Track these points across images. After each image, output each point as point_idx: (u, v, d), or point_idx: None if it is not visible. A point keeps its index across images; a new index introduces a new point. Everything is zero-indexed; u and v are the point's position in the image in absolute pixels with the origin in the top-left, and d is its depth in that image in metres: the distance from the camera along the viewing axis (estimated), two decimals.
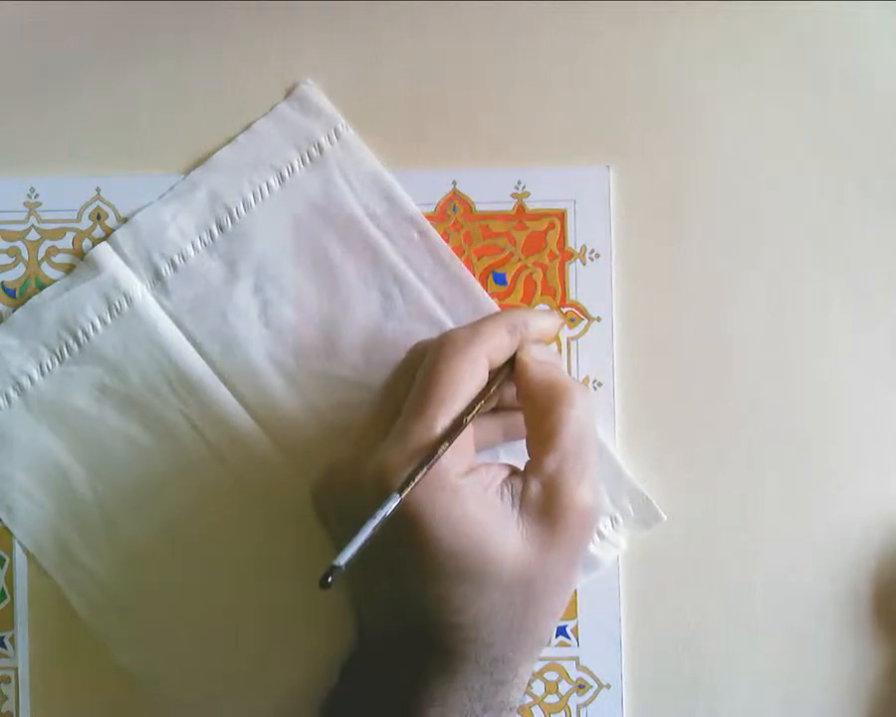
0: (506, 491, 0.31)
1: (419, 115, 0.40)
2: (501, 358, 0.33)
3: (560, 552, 0.31)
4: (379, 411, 0.34)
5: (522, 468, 0.33)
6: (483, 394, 0.32)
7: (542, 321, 0.35)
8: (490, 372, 0.33)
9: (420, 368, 0.33)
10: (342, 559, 0.27)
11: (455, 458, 0.31)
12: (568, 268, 0.40)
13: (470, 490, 0.31)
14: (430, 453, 0.30)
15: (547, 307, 0.40)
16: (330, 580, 0.27)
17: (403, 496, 0.29)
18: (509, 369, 0.34)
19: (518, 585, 0.31)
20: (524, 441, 0.34)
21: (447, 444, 0.30)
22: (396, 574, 0.32)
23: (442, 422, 0.31)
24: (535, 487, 0.31)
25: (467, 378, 0.32)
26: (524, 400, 0.33)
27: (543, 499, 0.31)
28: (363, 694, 0.35)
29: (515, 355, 0.34)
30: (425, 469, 0.29)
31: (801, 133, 0.40)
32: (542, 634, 0.33)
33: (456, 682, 0.32)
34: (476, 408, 0.32)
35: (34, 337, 0.39)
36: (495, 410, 0.36)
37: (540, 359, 0.34)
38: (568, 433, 0.32)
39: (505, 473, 0.32)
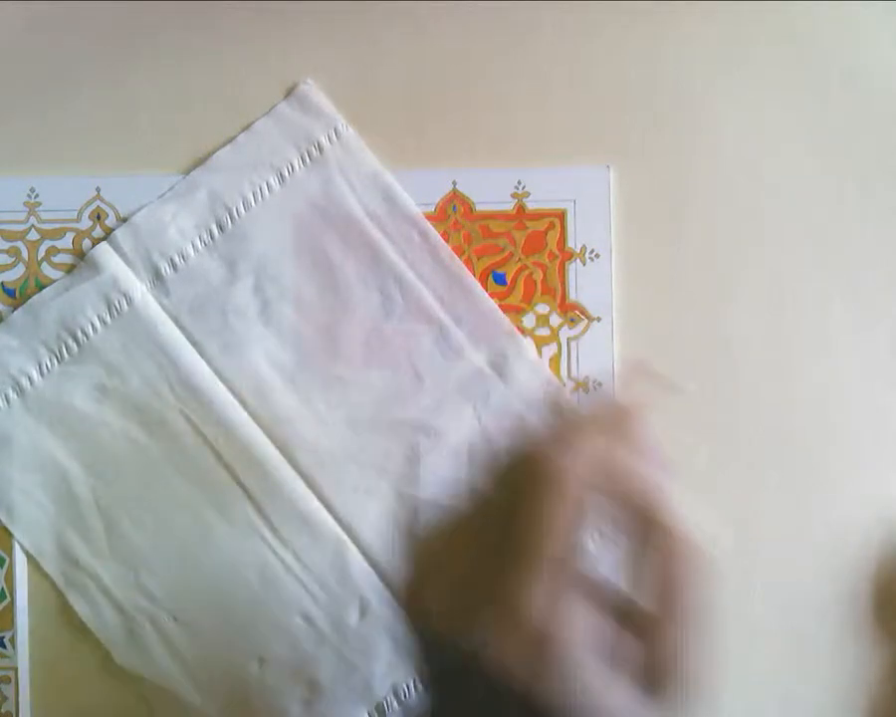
0: (613, 660, 0.30)
1: (419, 115, 0.40)
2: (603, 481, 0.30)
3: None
4: (473, 537, 0.32)
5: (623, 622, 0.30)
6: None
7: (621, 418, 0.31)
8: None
9: (522, 523, 0.30)
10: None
11: (575, 632, 0.29)
12: (568, 268, 0.40)
13: (590, 664, 0.29)
14: (546, 637, 0.28)
15: (548, 308, 0.40)
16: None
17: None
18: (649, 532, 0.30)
19: None
20: None
21: (566, 621, 0.28)
22: None
23: (556, 589, 0.28)
24: (646, 658, 0.30)
25: (573, 535, 0.29)
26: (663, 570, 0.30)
27: (653, 673, 0.29)
28: None
29: (650, 512, 0.30)
30: (544, 657, 0.28)
31: (801, 133, 0.40)
32: None
33: None
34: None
35: (34, 337, 0.39)
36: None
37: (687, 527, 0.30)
38: (686, 616, 0.29)
39: (610, 639, 0.30)
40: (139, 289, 0.39)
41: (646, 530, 0.30)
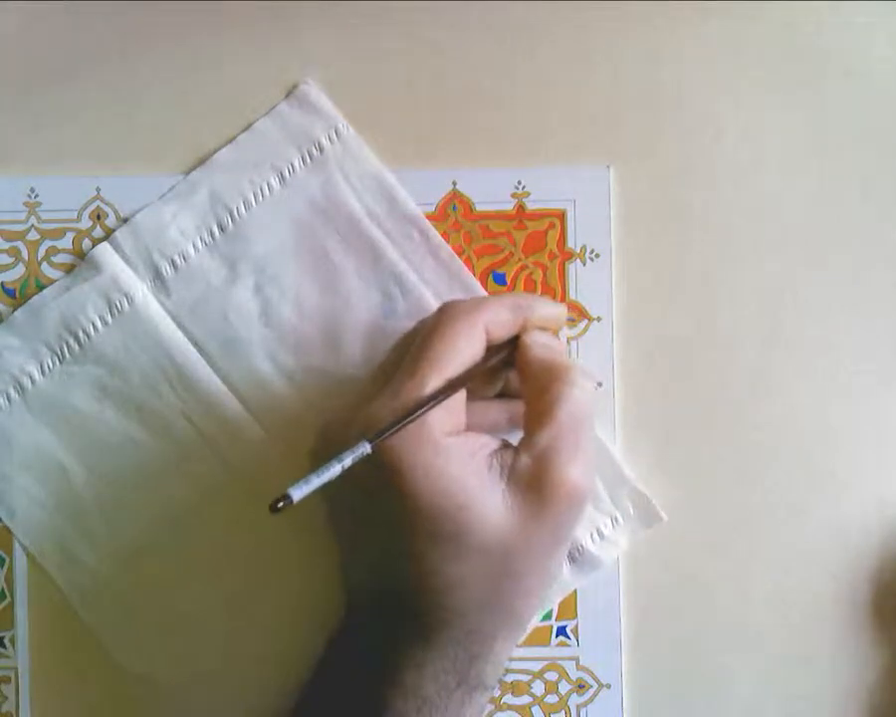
0: (494, 462, 0.31)
1: (419, 115, 0.40)
2: (501, 333, 0.33)
3: (543, 528, 0.31)
4: (375, 377, 0.35)
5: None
6: (479, 366, 0.32)
7: (547, 308, 0.35)
8: (490, 348, 0.33)
9: (418, 334, 0.33)
10: (298, 492, 0.27)
11: (443, 418, 0.31)
12: (568, 268, 0.40)
13: (455, 451, 0.31)
14: (414, 408, 0.30)
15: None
16: (280, 505, 0.27)
17: (374, 443, 0.29)
18: (511, 350, 0.34)
19: (495, 555, 0.31)
20: None
21: (434, 403, 0.30)
22: (378, 530, 0.32)
23: (433, 383, 0.31)
24: (525, 460, 0.31)
25: (462, 344, 0.32)
26: (523, 380, 0.33)
27: (532, 473, 0.31)
28: (347, 661, 0.34)
29: (518, 336, 0.34)
30: (403, 422, 0.29)
31: (801, 133, 0.40)
32: (519, 612, 0.33)
33: (430, 650, 0.31)
34: (469, 374, 0.32)
35: (34, 336, 0.39)
36: (501, 396, 0.36)
37: (542, 343, 0.33)
38: (565, 410, 0.31)
39: (496, 444, 0.32)
40: (140, 289, 0.39)
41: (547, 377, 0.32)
